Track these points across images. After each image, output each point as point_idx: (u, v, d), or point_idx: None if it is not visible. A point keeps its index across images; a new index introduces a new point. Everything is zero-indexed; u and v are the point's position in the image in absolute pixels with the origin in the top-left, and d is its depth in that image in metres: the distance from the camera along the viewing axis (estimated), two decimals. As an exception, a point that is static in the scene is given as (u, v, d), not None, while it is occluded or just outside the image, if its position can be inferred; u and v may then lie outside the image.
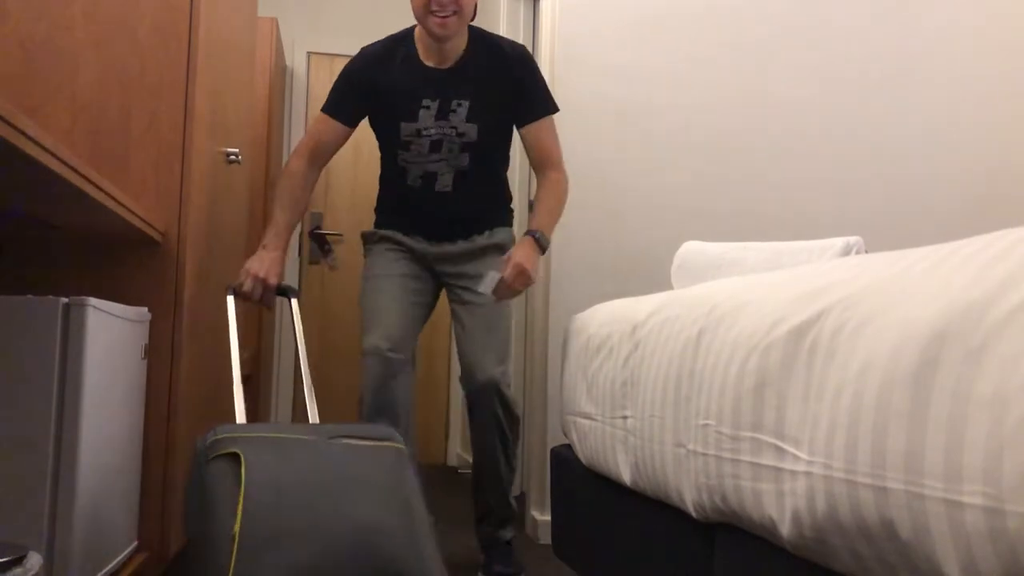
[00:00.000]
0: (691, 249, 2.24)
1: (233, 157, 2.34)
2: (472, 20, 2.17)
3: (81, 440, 1.35)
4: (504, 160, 2.37)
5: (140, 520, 1.76)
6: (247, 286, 1.99)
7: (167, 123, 1.84)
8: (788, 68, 2.96)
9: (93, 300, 1.39)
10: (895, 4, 3.03)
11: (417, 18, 2.13)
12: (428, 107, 2.16)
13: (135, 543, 1.73)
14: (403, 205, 2.29)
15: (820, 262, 1.45)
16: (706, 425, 1.17)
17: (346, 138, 2.25)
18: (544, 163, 2.25)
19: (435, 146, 2.19)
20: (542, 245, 2.15)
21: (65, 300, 1.36)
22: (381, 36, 2.29)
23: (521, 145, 2.32)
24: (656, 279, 2.26)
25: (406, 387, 2.14)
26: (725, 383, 1.12)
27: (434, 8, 2.05)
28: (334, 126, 2.22)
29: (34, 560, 1.11)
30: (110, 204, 1.41)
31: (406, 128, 2.18)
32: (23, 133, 1.01)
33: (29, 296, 1.35)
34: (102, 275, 1.78)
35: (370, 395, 2.09)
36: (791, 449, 0.95)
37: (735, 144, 2.92)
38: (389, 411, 2.09)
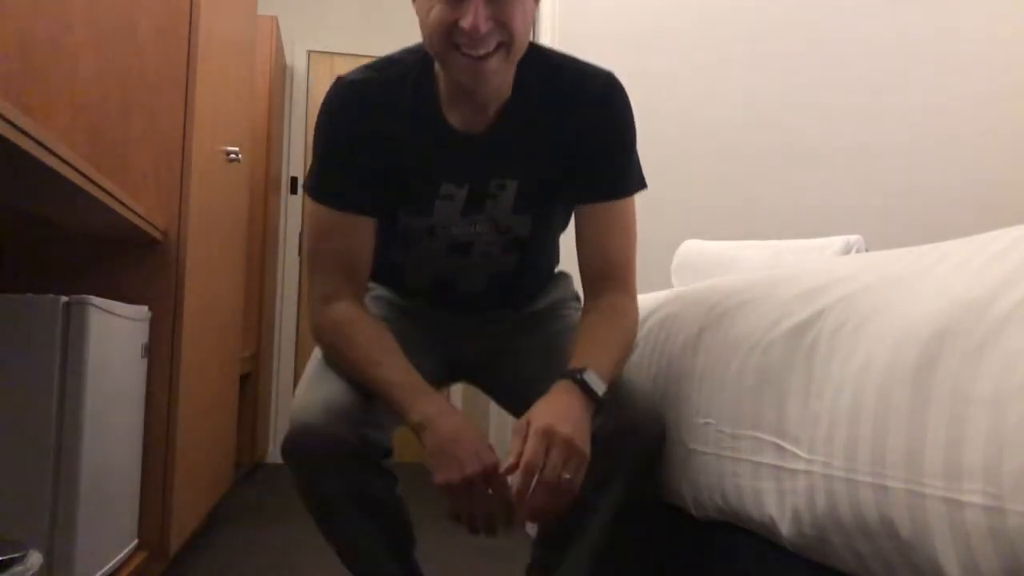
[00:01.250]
0: (691, 248, 2.25)
1: (233, 156, 2.34)
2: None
3: (81, 439, 1.35)
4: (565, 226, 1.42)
5: (140, 518, 1.76)
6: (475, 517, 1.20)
7: (167, 122, 1.84)
8: (788, 68, 2.96)
9: (93, 299, 1.40)
10: (895, 4, 3.03)
11: (435, 54, 1.18)
12: (451, 196, 1.27)
13: (135, 541, 1.73)
14: (403, 287, 1.43)
15: (820, 260, 1.45)
16: (706, 424, 1.17)
17: (372, 230, 1.28)
18: (599, 275, 1.30)
19: (458, 249, 1.33)
20: (593, 395, 1.13)
21: (65, 299, 1.36)
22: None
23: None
24: (656, 278, 2.26)
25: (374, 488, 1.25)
26: (725, 381, 1.12)
27: (462, 41, 1.12)
28: (354, 224, 1.25)
29: (34, 559, 1.11)
30: (110, 202, 1.41)
31: (412, 223, 1.30)
32: (23, 131, 1.01)
33: (29, 295, 1.35)
34: (102, 274, 1.78)
35: (303, 497, 1.21)
36: (791, 448, 0.95)
37: (735, 143, 2.92)
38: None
